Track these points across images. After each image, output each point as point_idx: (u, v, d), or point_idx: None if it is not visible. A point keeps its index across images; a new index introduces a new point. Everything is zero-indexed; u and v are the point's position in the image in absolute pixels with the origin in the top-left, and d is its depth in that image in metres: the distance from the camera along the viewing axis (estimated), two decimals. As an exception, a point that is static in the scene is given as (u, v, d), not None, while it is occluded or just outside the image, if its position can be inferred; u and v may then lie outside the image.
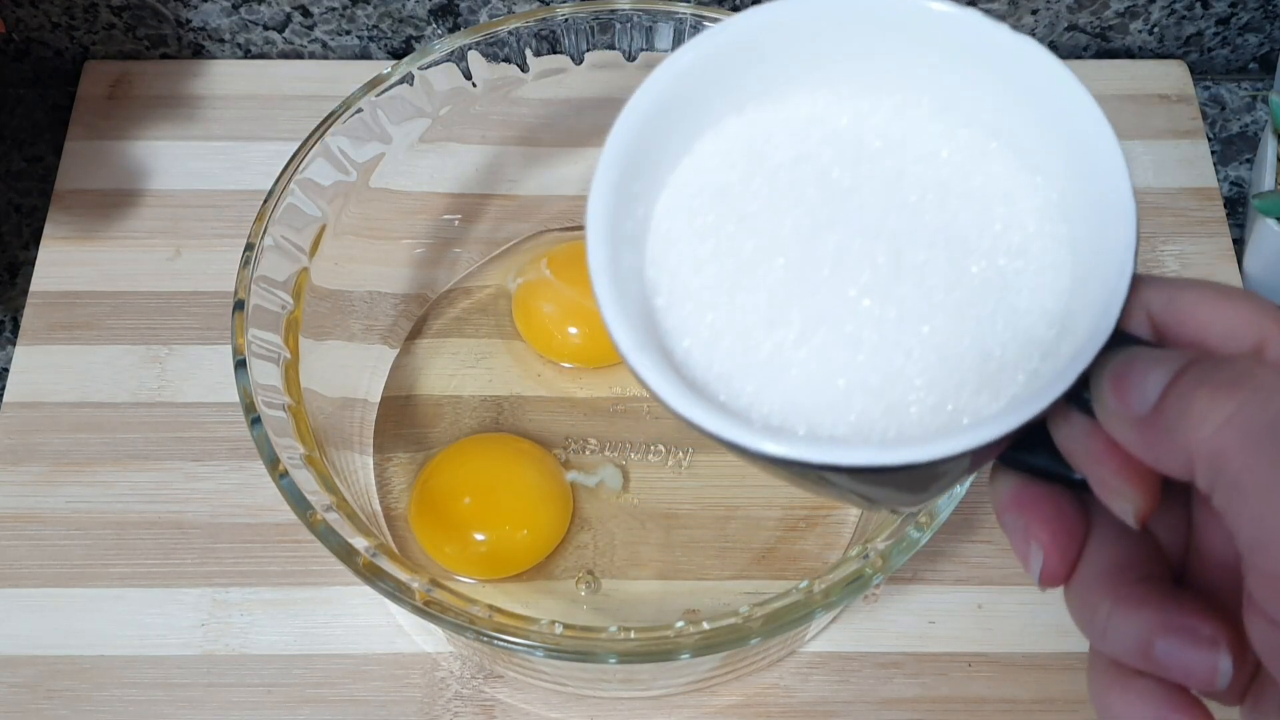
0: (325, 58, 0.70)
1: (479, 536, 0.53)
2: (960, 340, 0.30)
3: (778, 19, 0.32)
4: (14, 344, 0.60)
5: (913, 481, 0.30)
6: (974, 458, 0.28)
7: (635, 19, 0.52)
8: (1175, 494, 0.29)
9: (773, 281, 0.31)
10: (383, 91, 0.51)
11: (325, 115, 0.50)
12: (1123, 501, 0.27)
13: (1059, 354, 0.29)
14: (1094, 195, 0.30)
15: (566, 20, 0.52)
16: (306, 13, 0.67)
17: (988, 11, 0.66)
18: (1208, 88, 0.69)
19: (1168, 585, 0.29)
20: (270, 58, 0.69)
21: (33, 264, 0.62)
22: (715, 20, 0.51)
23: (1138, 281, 0.28)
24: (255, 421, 0.44)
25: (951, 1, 0.31)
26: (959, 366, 0.30)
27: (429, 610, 0.42)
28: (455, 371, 0.59)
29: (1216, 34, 0.69)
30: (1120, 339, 0.27)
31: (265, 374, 0.46)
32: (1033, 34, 0.68)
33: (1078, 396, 0.28)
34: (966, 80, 0.32)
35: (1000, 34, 0.31)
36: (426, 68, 0.51)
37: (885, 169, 0.32)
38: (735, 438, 0.28)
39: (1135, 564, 0.29)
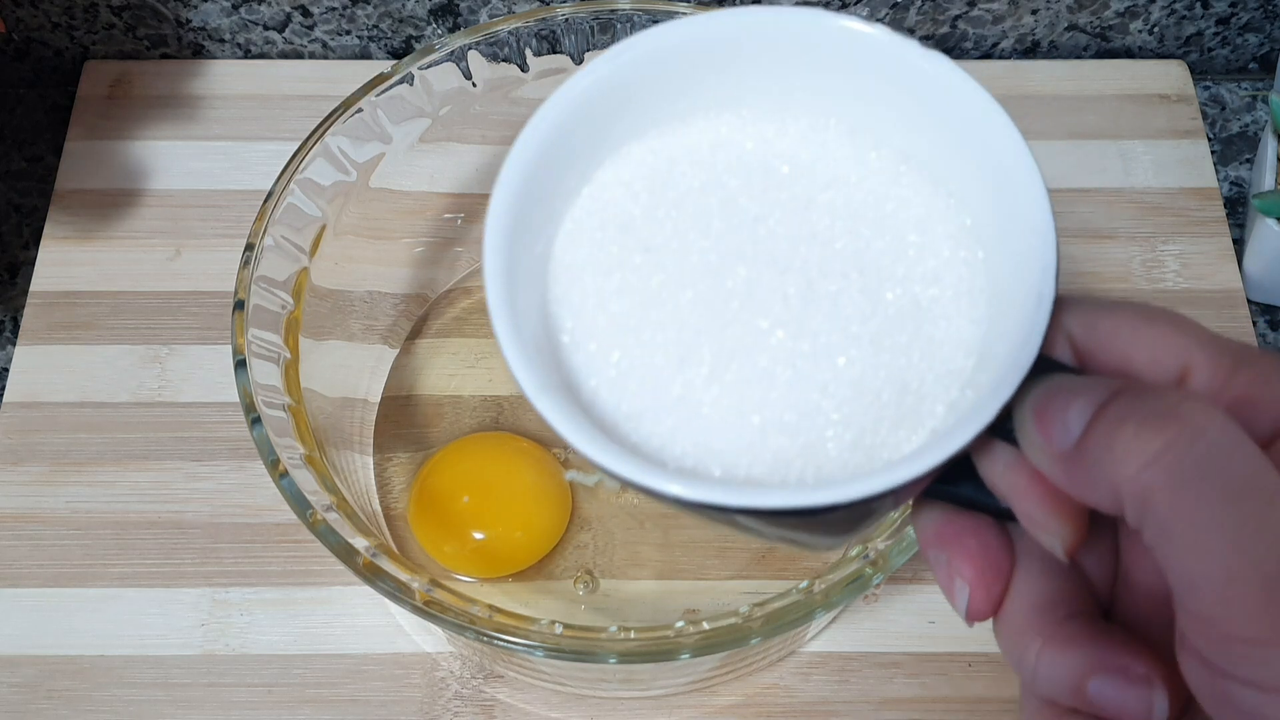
0: (325, 58, 0.69)
1: (477, 535, 0.53)
2: (877, 373, 0.29)
3: (675, 41, 0.31)
4: (14, 344, 0.60)
5: (833, 522, 0.29)
6: (896, 495, 0.27)
7: (636, 19, 0.52)
8: (1102, 525, 0.28)
9: (681, 317, 0.30)
10: (383, 91, 0.51)
11: (325, 115, 0.50)
12: (1050, 535, 0.27)
13: (978, 383, 0.28)
14: (1012, 218, 0.29)
15: (567, 20, 0.52)
16: (306, 13, 0.67)
17: (986, 12, 0.66)
18: (1208, 87, 0.69)
19: (1098, 621, 0.28)
20: (270, 58, 0.69)
21: (33, 264, 0.62)
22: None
23: (1059, 306, 0.27)
24: (255, 421, 0.44)
25: (859, 18, 0.30)
26: (876, 400, 0.29)
27: (429, 610, 0.42)
28: (455, 371, 0.59)
29: (1216, 34, 0.69)
30: (1043, 366, 0.27)
31: (265, 374, 0.46)
32: (1032, 34, 0.68)
33: (1001, 428, 0.27)
34: (876, 101, 0.31)
35: (910, 51, 0.30)
36: (427, 67, 0.51)
37: (794, 196, 0.31)
38: (646, 481, 0.27)
39: (1064, 599, 0.28)
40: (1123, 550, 0.29)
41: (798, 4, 0.66)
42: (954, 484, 0.29)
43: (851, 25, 0.30)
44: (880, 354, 0.29)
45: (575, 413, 0.28)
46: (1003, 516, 0.29)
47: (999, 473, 0.27)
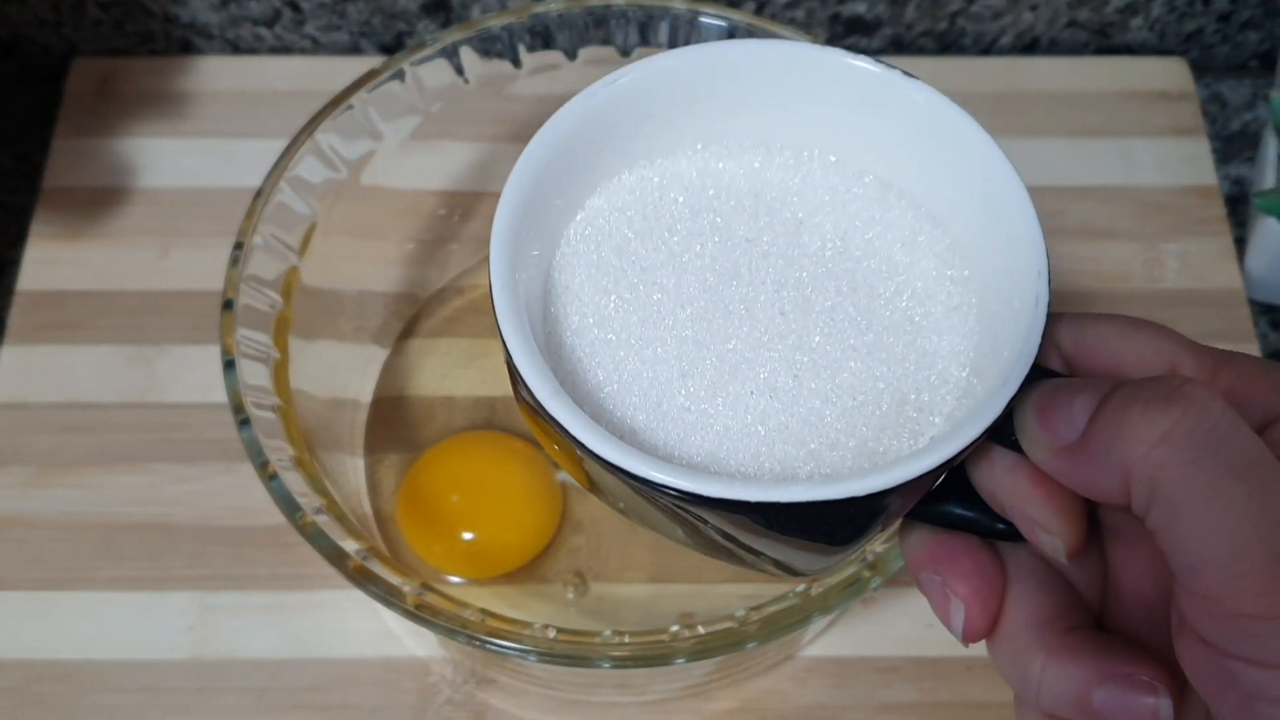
0: (315, 54, 0.69)
1: (467, 535, 0.53)
2: (875, 384, 0.30)
3: (660, 74, 0.32)
4: (0, 344, 0.59)
5: (840, 527, 0.29)
6: (905, 493, 0.27)
7: (630, 14, 0.51)
8: (1090, 539, 0.29)
9: (681, 333, 0.31)
10: (374, 88, 0.50)
11: (315, 112, 0.49)
12: (1052, 537, 0.27)
13: (974, 394, 0.29)
14: (1000, 232, 0.30)
15: (560, 16, 0.51)
16: (296, 8, 0.66)
17: (986, 8, 0.66)
18: (1208, 85, 0.68)
19: (1097, 633, 0.29)
20: (260, 54, 0.69)
21: (19, 263, 0.61)
22: (711, 15, 0.50)
23: (1048, 319, 0.28)
24: (244, 423, 0.44)
25: (843, 50, 0.32)
26: (877, 410, 0.30)
27: (420, 614, 0.41)
28: (447, 372, 0.59)
29: (1217, 31, 0.68)
30: (1038, 374, 0.27)
31: (254, 374, 0.45)
32: (1032, 30, 0.67)
33: (1000, 433, 0.27)
34: (858, 129, 0.32)
35: (891, 79, 0.31)
36: (418, 64, 0.51)
37: (784, 219, 0.32)
38: (660, 478, 0.27)
39: (1062, 614, 0.29)
40: (1112, 561, 0.29)
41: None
42: (949, 502, 0.29)
43: (830, 56, 0.32)
44: (877, 365, 0.30)
45: (586, 416, 0.28)
46: (992, 535, 0.29)
47: (998, 479, 0.28)
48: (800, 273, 0.32)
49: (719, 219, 0.33)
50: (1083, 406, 0.26)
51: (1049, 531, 0.27)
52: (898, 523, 0.31)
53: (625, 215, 0.33)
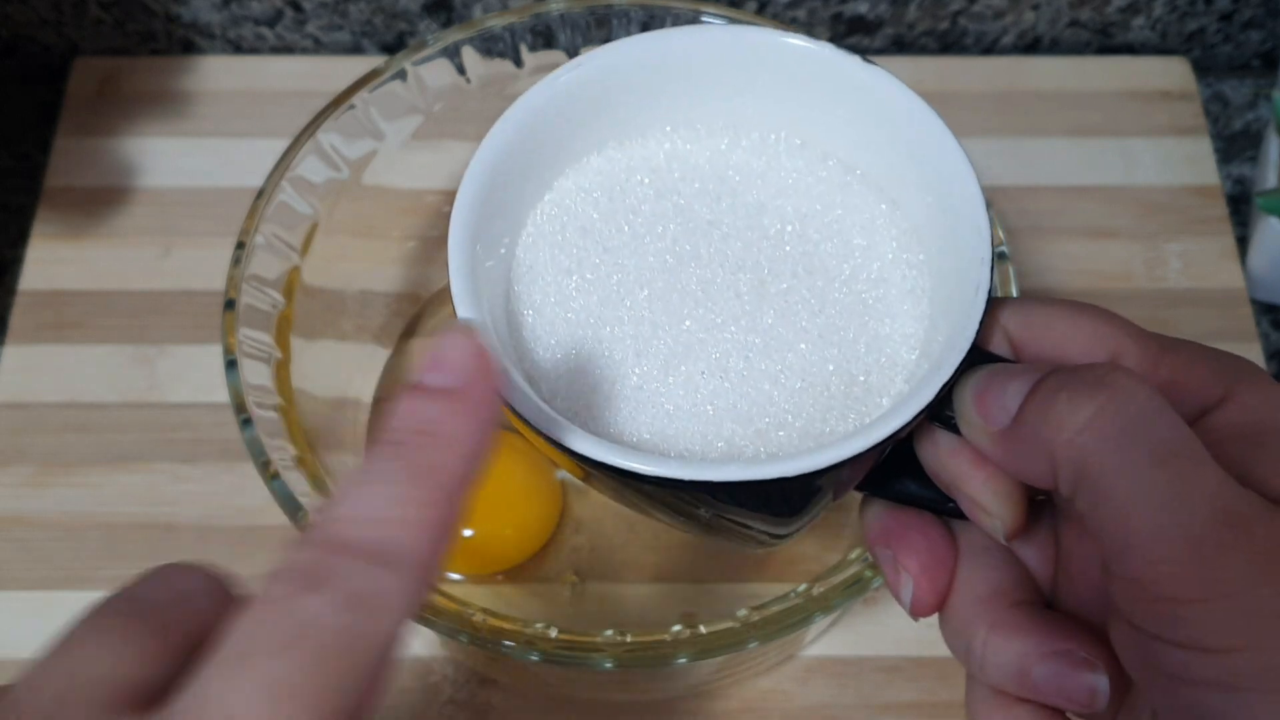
0: (317, 53, 0.69)
1: (465, 532, 0.53)
2: (825, 365, 0.31)
3: (629, 57, 0.33)
4: (1, 344, 0.59)
5: (781, 500, 0.30)
6: (842, 472, 0.28)
7: (632, 14, 0.51)
8: (1042, 518, 0.29)
9: (638, 313, 0.31)
10: (375, 88, 0.50)
11: (317, 112, 0.49)
12: (991, 519, 0.28)
13: (920, 375, 0.30)
14: (951, 218, 0.31)
15: (562, 15, 0.51)
16: (298, 8, 0.66)
17: (987, 8, 0.65)
18: (1210, 84, 0.68)
19: (1042, 610, 0.29)
20: (261, 53, 0.69)
21: (21, 262, 0.61)
22: (713, 15, 0.50)
23: (996, 301, 0.29)
24: (246, 422, 0.43)
25: (805, 35, 0.32)
26: (825, 391, 0.31)
27: (422, 614, 0.41)
28: (449, 371, 0.58)
29: (1219, 30, 0.68)
30: (982, 357, 0.28)
31: (256, 374, 0.45)
32: (1033, 30, 0.67)
33: (943, 416, 0.28)
34: (823, 113, 0.33)
35: (851, 66, 0.32)
36: (420, 63, 0.51)
37: (746, 203, 0.33)
38: (606, 458, 0.27)
39: (1008, 590, 0.29)
40: (1061, 542, 0.30)
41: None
42: (899, 479, 0.30)
43: (798, 43, 0.32)
44: (828, 348, 0.31)
45: (532, 397, 0.29)
46: (946, 513, 0.30)
47: (941, 460, 0.29)
48: (758, 255, 0.32)
49: (682, 201, 0.33)
50: (1016, 392, 0.26)
51: (988, 513, 0.28)
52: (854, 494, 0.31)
53: (592, 197, 0.33)
